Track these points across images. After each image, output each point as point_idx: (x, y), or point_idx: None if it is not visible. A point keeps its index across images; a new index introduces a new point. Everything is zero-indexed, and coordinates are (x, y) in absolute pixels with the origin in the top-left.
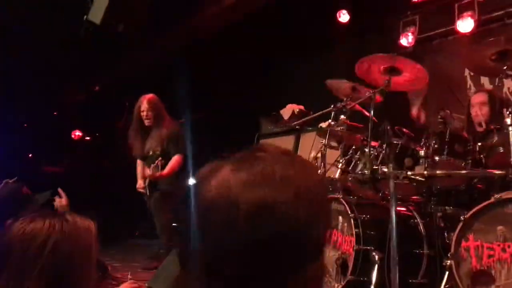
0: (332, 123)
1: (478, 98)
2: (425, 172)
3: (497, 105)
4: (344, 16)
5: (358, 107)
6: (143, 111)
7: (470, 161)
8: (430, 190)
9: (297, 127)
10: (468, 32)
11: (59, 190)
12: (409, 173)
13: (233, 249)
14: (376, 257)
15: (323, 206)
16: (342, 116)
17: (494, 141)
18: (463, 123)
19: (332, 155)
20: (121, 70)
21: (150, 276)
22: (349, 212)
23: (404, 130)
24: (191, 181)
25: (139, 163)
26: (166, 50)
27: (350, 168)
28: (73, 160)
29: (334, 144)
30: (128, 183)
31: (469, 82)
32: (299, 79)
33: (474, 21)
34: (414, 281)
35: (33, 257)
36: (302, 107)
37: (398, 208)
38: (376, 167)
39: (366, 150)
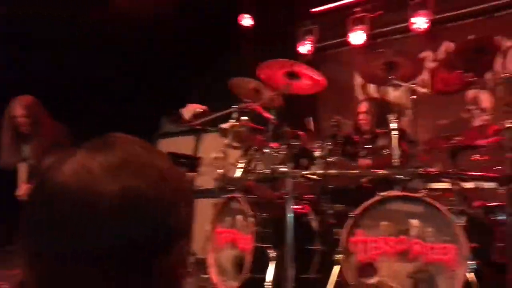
0: (235, 123)
1: (361, 108)
2: (320, 172)
3: (383, 111)
4: (246, 20)
5: (259, 109)
6: (17, 116)
7: (359, 161)
8: (324, 189)
9: (198, 127)
10: (359, 44)
11: None
12: (305, 172)
13: (97, 241)
14: (273, 254)
15: (186, 185)
16: (244, 117)
17: (380, 144)
18: (352, 128)
19: (233, 156)
20: None
21: None
22: (249, 211)
23: (301, 133)
24: None
25: (21, 166)
26: None
27: (250, 168)
28: None
29: (236, 144)
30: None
31: (358, 90)
32: (203, 80)
33: (366, 35)
34: (306, 276)
35: None
36: (204, 107)
37: (294, 206)
38: (275, 167)
39: (266, 150)
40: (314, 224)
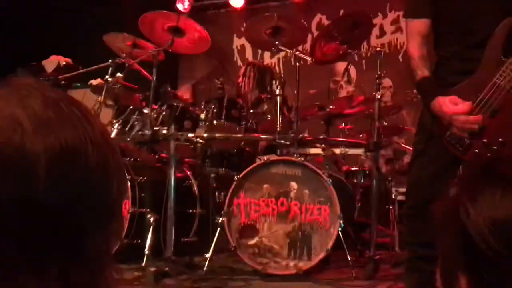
0: (109, 79)
1: (241, 71)
2: (205, 135)
3: (264, 76)
4: None
5: (137, 66)
6: None
7: (243, 126)
8: (205, 152)
9: (62, 82)
10: (238, 8)
11: None
12: (190, 135)
13: (32, 206)
14: (152, 219)
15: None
16: (118, 74)
17: (265, 109)
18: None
19: (106, 115)
20: None
21: None
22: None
23: (178, 93)
24: None
25: None
26: None
27: (126, 129)
28: None
29: (110, 102)
30: None
31: (236, 55)
32: (71, 29)
33: None
34: (186, 239)
35: None
36: (69, 60)
37: (176, 170)
38: (157, 128)
39: (145, 111)
40: (196, 187)
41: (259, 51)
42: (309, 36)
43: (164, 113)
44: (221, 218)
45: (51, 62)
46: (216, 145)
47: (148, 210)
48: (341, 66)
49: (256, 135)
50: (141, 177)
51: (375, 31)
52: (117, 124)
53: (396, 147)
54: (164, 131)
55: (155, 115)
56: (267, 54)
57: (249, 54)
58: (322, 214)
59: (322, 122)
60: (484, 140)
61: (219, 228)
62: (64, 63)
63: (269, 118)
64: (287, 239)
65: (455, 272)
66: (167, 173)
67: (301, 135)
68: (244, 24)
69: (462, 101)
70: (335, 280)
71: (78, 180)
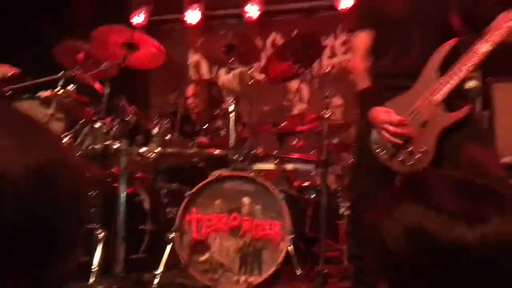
0: (57, 92)
1: (189, 91)
2: (157, 150)
3: (213, 93)
4: None
5: (90, 79)
6: None
7: (196, 141)
8: (158, 168)
9: (7, 93)
10: (195, 24)
11: None
12: (141, 150)
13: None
14: (101, 235)
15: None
16: (70, 86)
17: (218, 124)
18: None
19: (56, 128)
20: None
21: None
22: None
23: (132, 107)
24: None
25: None
26: None
27: (76, 143)
28: None
29: (60, 116)
30: None
31: (191, 70)
32: (19, 38)
33: (201, 15)
34: (136, 256)
35: None
36: (15, 69)
37: (126, 185)
38: (108, 143)
39: (97, 124)
40: (146, 203)
41: (215, 67)
42: (264, 55)
43: (116, 127)
44: (172, 234)
45: None
46: (168, 160)
47: (97, 226)
48: (294, 84)
49: (210, 150)
50: (91, 192)
51: (327, 52)
52: (66, 138)
53: (345, 164)
54: (115, 146)
55: (107, 129)
56: (223, 70)
57: (204, 70)
58: (273, 230)
59: (277, 138)
60: (409, 148)
61: (169, 245)
62: (8, 73)
63: (223, 134)
64: (238, 255)
65: (378, 281)
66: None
67: (253, 151)
68: (199, 41)
69: (395, 114)
70: None
71: (49, 204)
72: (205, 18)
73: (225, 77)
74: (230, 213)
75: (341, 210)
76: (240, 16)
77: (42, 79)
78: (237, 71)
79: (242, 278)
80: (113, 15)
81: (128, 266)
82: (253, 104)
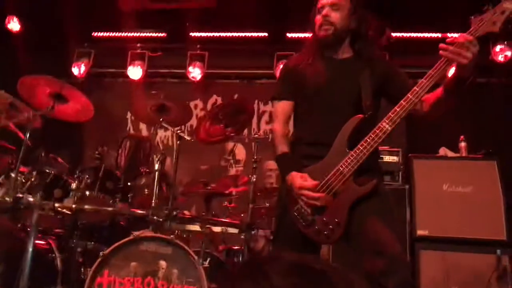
0: None
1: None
2: (73, 206)
3: (143, 150)
4: (14, 24)
5: (13, 127)
6: None
7: (118, 198)
8: (75, 224)
9: None
10: (137, 80)
11: None
12: (56, 204)
13: None
14: None
15: None
16: None
17: (142, 182)
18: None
19: None
20: None
21: None
22: None
23: (59, 159)
24: None
25: None
26: None
27: None
28: None
29: None
30: None
31: (130, 124)
32: None
33: (143, 72)
34: None
35: None
36: None
37: (38, 241)
38: (21, 195)
39: (13, 175)
40: (57, 261)
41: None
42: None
43: (33, 179)
44: None
45: None
46: (86, 217)
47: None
48: (230, 146)
49: (133, 209)
50: None
51: (265, 117)
52: None
53: None
54: (29, 199)
55: (23, 180)
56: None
57: (143, 125)
58: None
59: (204, 199)
60: (324, 218)
61: None
62: None
63: (146, 193)
64: None
65: None
66: None
67: (175, 212)
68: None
69: (311, 179)
70: None
71: None
72: (147, 75)
73: (162, 134)
74: (145, 277)
75: None
76: (184, 76)
77: None
78: (177, 128)
79: None
80: (55, 64)
81: None
82: (186, 162)
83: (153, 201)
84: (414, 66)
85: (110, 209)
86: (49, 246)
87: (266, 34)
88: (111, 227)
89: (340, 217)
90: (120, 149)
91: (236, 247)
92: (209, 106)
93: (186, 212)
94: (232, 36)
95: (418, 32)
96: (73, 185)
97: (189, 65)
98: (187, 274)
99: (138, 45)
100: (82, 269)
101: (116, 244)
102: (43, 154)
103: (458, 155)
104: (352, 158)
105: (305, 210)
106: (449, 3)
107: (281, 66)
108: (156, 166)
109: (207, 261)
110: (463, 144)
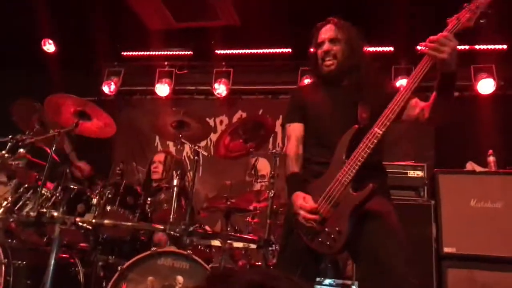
0: (6, 155)
1: (158, 157)
2: (94, 220)
3: (172, 166)
4: (49, 46)
5: (40, 143)
6: None
7: (138, 214)
8: (97, 238)
9: None
10: (164, 97)
11: None
12: (77, 219)
13: None
14: None
15: None
16: (21, 150)
17: (162, 198)
18: (145, 175)
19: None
20: None
21: None
22: (1, 258)
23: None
24: None
25: None
26: None
27: (16, 208)
28: None
29: (3, 179)
30: None
31: (157, 141)
32: None
33: (170, 89)
34: None
35: None
36: None
37: (62, 255)
38: (45, 210)
39: (40, 190)
40: (80, 275)
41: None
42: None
43: (58, 194)
44: None
45: None
46: (106, 232)
47: None
48: (253, 160)
49: (153, 224)
50: (20, 262)
51: None
52: (5, 202)
53: None
54: (53, 214)
55: (48, 195)
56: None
57: (170, 141)
58: None
59: (224, 214)
60: (326, 229)
61: None
62: None
63: (165, 208)
64: None
65: None
66: None
67: (192, 227)
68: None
69: (311, 199)
70: None
71: None
72: (174, 92)
73: (188, 150)
74: None
75: None
76: (210, 93)
77: None
78: (202, 143)
79: None
80: (86, 83)
81: None
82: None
83: (171, 216)
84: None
85: (129, 223)
86: (73, 260)
87: (290, 49)
88: (132, 242)
89: (341, 226)
90: (158, 160)
91: (256, 263)
92: (234, 121)
93: (207, 227)
94: (257, 52)
95: None
96: (94, 200)
97: (215, 82)
98: None
99: (166, 63)
100: (103, 283)
101: (134, 259)
102: (68, 170)
103: (487, 169)
104: (349, 166)
105: (306, 225)
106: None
107: (305, 81)
108: (175, 182)
109: None
110: (491, 158)
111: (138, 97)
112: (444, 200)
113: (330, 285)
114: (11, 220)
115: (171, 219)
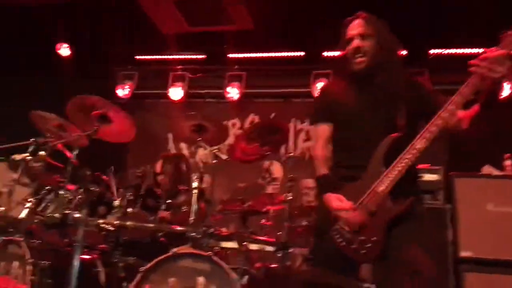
0: (29, 157)
1: (157, 168)
2: (115, 222)
3: (180, 169)
4: (64, 50)
5: (60, 146)
6: None
7: (158, 215)
8: (118, 240)
9: None
10: (177, 100)
11: None
12: (100, 221)
13: None
14: None
15: None
16: (41, 152)
17: (181, 200)
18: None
19: (20, 193)
20: None
21: None
22: (28, 257)
23: (104, 177)
24: None
25: None
26: None
27: (39, 210)
28: None
29: (25, 181)
30: None
31: (171, 144)
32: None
33: (184, 92)
34: None
35: None
36: None
37: (83, 256)
38: (68, 212)
39: (61, 192)
40: (102, 276)
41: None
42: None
43: (80, 196)
44: None
45: None
46: (128, 233)
47: None
48: (266, 164)
49: (170, 226)
50: (46, 261)
51: (302, 135)
52: (29, 203)
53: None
54: (75, 215)
55: (71, 197)
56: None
57: (183, 144)
58: None
59: (240, 217)
60: (362, 237)
61: None
62: None
63: (185, 210)
64: None
65: None
66: None
67: (212, 229)
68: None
69: (346, 200)
70: None
71: None
72: (187, 95)
73: (202, 153)
74: None
75: None
76: (221, 96)
77: (14, 144)
78: (208, 149)
79: None
80: (99, 85)
81: None
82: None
83: (191, 218)
84: (453, 82)
85: (149, 225)
86: (94, 260)
87: (302, 53)
88: (152, 243)
89: (377, 236)
90: (159, 171)
91: (272, 265)
92: (246, 125)
93: (223, 229)
94: (269, 56)
95: (458, 48)
96: (116, 202)
97: (228, 86)
98: None
99: (179, 67)
100: (125, 283)
101: (156, 260)
102: (88, 172)
103: (504, 173)
104: (387, 177)
105: (343, 229)
106: (489, 18)
107: (317, 85)
108: (195, 184)
109: (245, 278)
110: (508, 162)
111: (151, 100)
112: (460, 203)
113: None
114: (35, 221)
115: (191, 220)
